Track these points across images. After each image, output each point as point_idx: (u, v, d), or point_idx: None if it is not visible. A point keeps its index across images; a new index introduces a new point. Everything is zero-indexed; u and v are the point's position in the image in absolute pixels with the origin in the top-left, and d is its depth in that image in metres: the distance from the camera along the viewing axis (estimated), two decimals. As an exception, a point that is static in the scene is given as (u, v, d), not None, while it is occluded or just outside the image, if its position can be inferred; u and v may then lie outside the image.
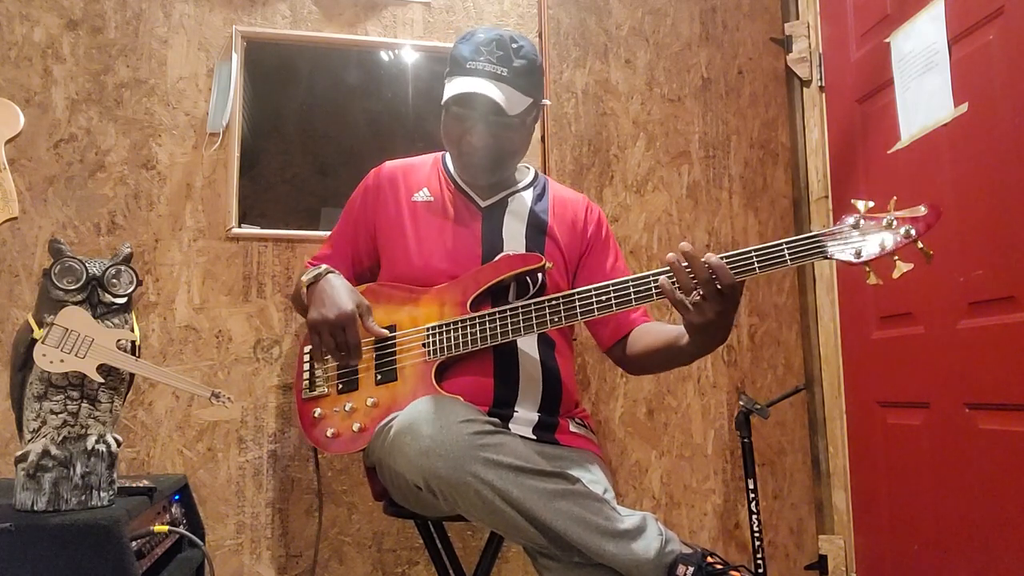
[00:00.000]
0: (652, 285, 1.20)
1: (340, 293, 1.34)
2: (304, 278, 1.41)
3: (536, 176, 1.57)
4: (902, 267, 1.11)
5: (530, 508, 1.06)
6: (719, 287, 1.10)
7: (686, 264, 1.11)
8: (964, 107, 1.56)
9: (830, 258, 1.14)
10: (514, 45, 1.39)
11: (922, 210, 1.12)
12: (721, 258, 1.11)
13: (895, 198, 1.14)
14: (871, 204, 1.14)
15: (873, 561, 1.88)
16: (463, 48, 1.40)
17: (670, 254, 1.12)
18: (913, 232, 1.11)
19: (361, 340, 1.32)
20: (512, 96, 1.37)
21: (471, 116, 1.39)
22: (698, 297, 1.10)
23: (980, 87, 1.53)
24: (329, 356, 1.33)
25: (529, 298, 1.36)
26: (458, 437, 1.07)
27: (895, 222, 1.12)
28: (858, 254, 1.13)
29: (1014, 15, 1.46)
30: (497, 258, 1.41)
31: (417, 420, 1.11)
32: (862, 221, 1.14)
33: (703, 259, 1.10)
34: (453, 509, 1.12)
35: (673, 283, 1.13)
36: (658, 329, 1.41)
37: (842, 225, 1.15)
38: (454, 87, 1.37)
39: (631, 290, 1.23)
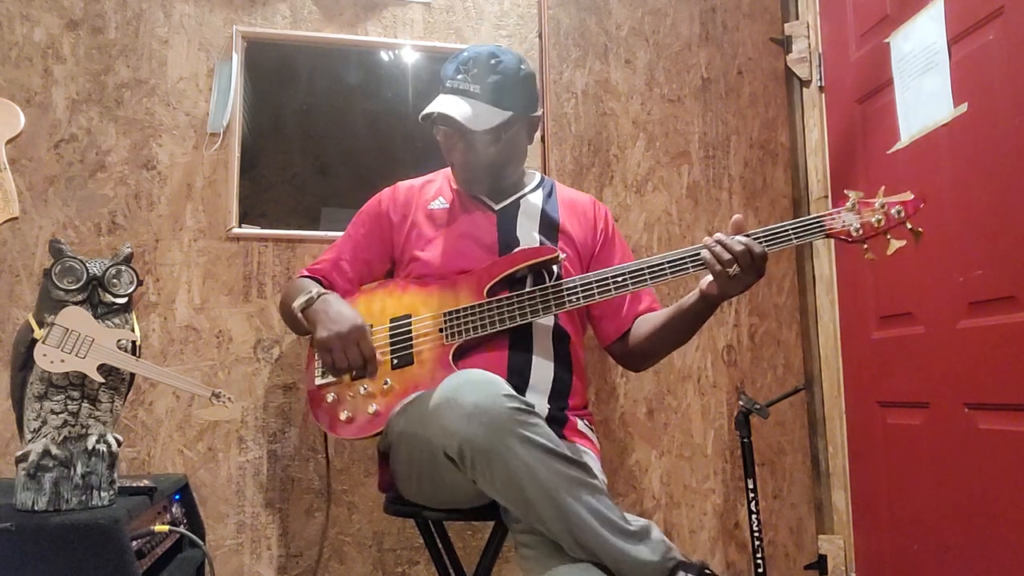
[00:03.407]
0: (688, 259, 1.32)
1: (344, 309, 1.38)
2: (295, 304, 1.42)
3: (542, 179, 1.63)
4: (895, 244, 1.28)
5: (552, 490, 1.07)
6: (752, 258, 1.25)
7: (719, 246, 1.27)
8: (964, 107, 1.56)
9: (830, 235, 1.30)
10: (492, 61, 1.45)
11: (909, 195, 1.30)
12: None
13: (884, 187, 1.31)
14: (862, 193, 1.31)
15: (873, 561, 1.88)
16: (447, 68, 1.49)
17: (707, 238, 1.29)
18: (903, 212, 1.28)
19: (376, 352, 1.35)
20: (481, 112, 1.42)
21: (444, 133, 1.48)
22: (737, 269, 1.25)
23: (980, 87, 1.53)
24: (344, 374, 1.36)
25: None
26: (500, 408, 1.09)
27: (886, 205, 1.29)
28: (856, 232, 1.30)
29: (1014, 15, 1.46)
30: (513, 251, 1.46)
31: (462, 388, 1.13)
32: (857, 205, 1.31)
33: (735, 237, 1.27)
34: (476, 479, 1.12)
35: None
36: (658, 311, 1.51)
37: (840, 208, 1.31)
38: (428, 105, 1.45)
39: (667, 269, 1.34)
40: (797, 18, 2.15)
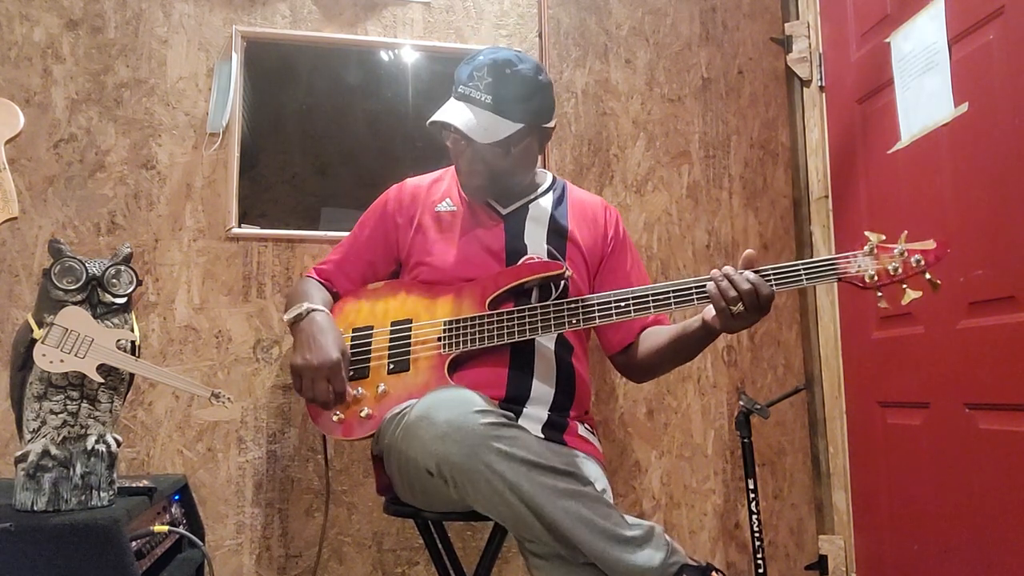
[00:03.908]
0: (694, 290, 1.28)
1: (326, 337, 1.35)
2: (286, 317, 1.42)
3: (554, 181, 1.60)
4: (911, 294, 1.21)
5: (539, 504, 1.06)
6: (758, 298, 1.21)
7: (726, 281, 1.22)
8: (964, 107, 1.56)
9: (842, 280, 1.24)
10: (508, 70, 1.40)
11: (931, 244, 1.22)
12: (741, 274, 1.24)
13: (906, 232, 1.24)
14: (883, 237, 1.25)
15: (873, 561, 1.88)
16: (462, 70, 1.44)
17: (715, 271, 1.24)
18: (922, 262, 1.21)
19: (347, 388, 1.34)
20: (491, 123, 1.38)
21: (452, 139, 1.45)
22: (742, 308, 1.21)
23: (980, 87, 1.53)
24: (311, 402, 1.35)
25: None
26: (474, 426, 1.08)
27: (905, 252, 1.23)
28: (871, 278, 1.24)
29: (1014, 15, 1.46)
30: (519, 262, 1.44)
31: (435, 406, 1.13)
32: (875, 250, 1.24)
33: (743, 274, 1.22)
34: (462, 497, 1.12)
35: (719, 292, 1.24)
36: (663, 328, 1.48)
37: (857, 252, 1.26)
38: (437, 111, 1.42)
39: (671, 298, 1.30)
40: (797, 18, 2.15)
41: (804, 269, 1.24)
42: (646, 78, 2.10)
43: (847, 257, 1.25)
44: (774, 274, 1.24)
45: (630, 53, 2.10)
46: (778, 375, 2.08)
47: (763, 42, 2.19)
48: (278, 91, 1.89)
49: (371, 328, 1.44)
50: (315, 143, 1.89)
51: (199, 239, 1.79)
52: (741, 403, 1.75)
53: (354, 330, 1.44)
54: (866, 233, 1.26)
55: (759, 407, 1.72)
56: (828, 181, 2.05)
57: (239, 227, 1.80)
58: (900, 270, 1.22)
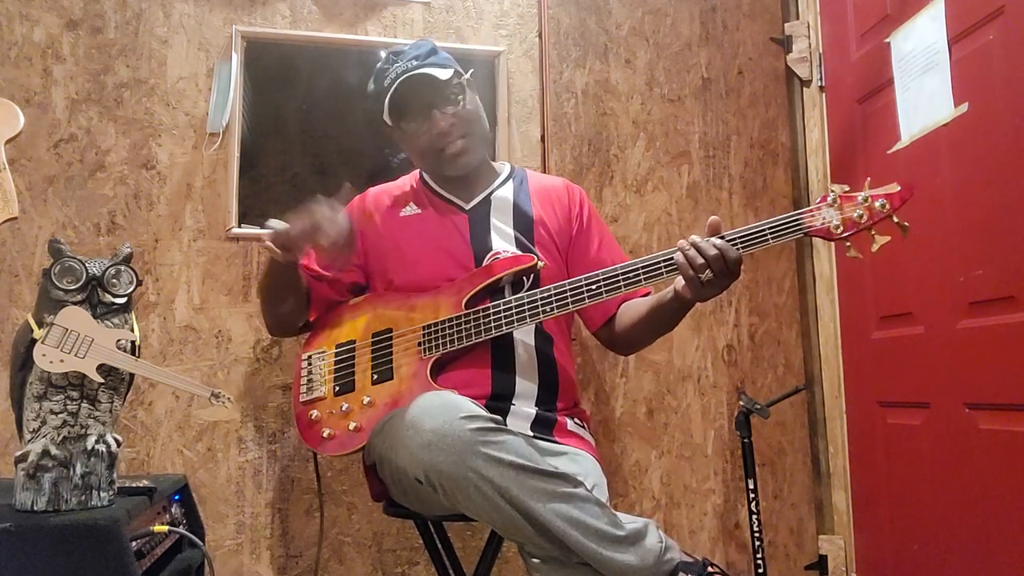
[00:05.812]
0: (663, 263, 1.28)
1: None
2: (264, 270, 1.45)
3: (512, 169, 1.61)
4: (880, 240, 1.20)
5: (529, 507, 1.06)
6: (726, 263, 1.21)
7: (693, 249, 1.23)
8: (964, 107, 1.56)
9: (808, 234, 1.24)
10: (406, 47, 1.48)
11: (895, 187, 1.21)
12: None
13: (869, 178, 1.24)
14: (847, 188, 1.24)
15: (873, 561, 1.88)
16: (375, 77, 1.49)
17: (681, 240, 1.25)
18: (888, 206, 1.20)
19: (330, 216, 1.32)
20: (436, 69, 1.43)
21: (421, 106, 1.45)
22: (710, 275, 1.21)
23: (980, 87, 1.53)
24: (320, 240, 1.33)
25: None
26: (460, 432, 1.07)
27: (869, 198, 1.22)
28: (836, 228, 1.22)
29: (1014, 15, 1.46)
30: (491, 259, 1.44)
31: (420, 414, 1.12)
32: (838, 200, 1.23)
33: (709, 241, 1.23)
34: (453, 504, 1.12)
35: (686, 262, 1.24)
36: (641, 300, 1.48)
37: (820, 204, 1.25)
38: (391, 97, 1.44)
39: (641, 274, 1.30)
40: (797, 18, 2.15)
41: (769, 228, 1.24)
42: (646, 78, 2.10)
43: (811, 211, 1.23)
44: (739, 238, 1.24)
45: (630, 53, 2.10)
46: (778, 375, 2.08)
47: (763, 42, 2.19)
48: (278, 91, 1.89)
49: (353, 343, 1.44)
50: (315, 143, 1.89)
51: (199, 239, 1.79)
52: (741, 403, 1.75)
53: (337, 346, 1.44)
54: (829, 186, 1.25)
55: (759, 407, 1.72)
56: (828, 181, 2.04)
57: (239, 227, 1.80)
58: (865, 217, 1.21)
